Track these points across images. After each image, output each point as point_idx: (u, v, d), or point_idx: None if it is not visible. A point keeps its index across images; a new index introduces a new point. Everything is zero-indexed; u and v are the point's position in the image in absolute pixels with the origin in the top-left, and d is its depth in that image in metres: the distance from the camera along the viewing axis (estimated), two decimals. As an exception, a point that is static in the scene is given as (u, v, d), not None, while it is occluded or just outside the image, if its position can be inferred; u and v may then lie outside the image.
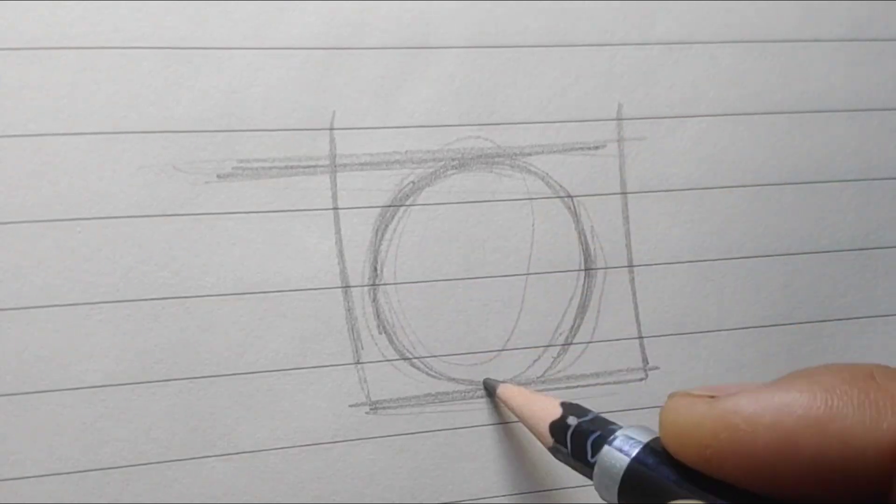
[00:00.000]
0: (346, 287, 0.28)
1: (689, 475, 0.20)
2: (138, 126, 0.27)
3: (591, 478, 0.23)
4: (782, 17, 0.31)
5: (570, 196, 0.29)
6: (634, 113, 0.30)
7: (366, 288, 0.28)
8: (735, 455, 0.18)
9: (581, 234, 0.30)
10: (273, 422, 0.27)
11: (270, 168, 0.27)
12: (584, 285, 0.30)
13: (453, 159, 0.29)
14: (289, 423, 0.28)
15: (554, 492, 0.29)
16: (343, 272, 0.28)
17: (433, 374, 0.29)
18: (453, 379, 0.29)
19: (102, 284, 0.26)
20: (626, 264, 0.30)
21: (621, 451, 0.22)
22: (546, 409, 0.26)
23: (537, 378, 0.29)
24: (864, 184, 0.31)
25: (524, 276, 0.29)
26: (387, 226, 0.28)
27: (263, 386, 0.27)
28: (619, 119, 0.30)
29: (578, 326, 0.30)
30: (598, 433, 0.23)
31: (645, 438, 0.22)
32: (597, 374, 0.30)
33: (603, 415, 0.24)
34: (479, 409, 0.29)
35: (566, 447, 0.25)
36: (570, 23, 0.29)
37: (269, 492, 0.27)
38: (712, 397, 0.19)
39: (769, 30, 0.31)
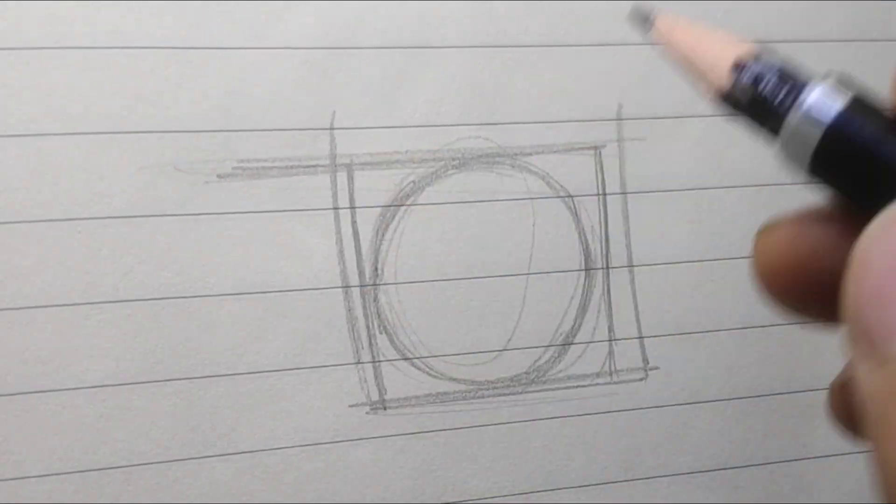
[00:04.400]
0: (347, 287, 0.28)
1: None
2: (138, 126, 0.26)
3: (775, 134, 0.19)
4: (782, 17, 0.31)
5: (570, 196, 0.29)
6: (634, 113, 0.30)
7: (366, 288, 0.28)
8: None
9: (581, 233, 0.30)
10: (273, 422, 0.27)
11: (270, 168, 0.27)
12: (584, 285, 0.30)
13: (454, 159, 0.29)
14: (289, 423, 0.28)
15: (554, 492, 0.29)
16: (343, 272, 0.28)
17: (434, 374, 0.29)
18: (454, 379, 0.28)
19: (102, 284, 0.26)
20: (626, 264, 0.30)
21: (826, 102, 0.18)
22: (729, 45, 0.20)
23: (538, 378, 0.29)
24: (863, 184, 0.31)
25: (525, 276, 0.29)
26: (387, 225, 0.28)
27: (263, 386, 0.27)
28: (619, 119, 0.30)
29: (579, 326, 0.30)
30: (792, 82, 0.19)
31: (851, 90, 0.18)
32: (597, 374, 0.30)
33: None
34: (480, 409, 0.29)
35: (751, 88, 0.19)
36: (570, 23, 0.29)
37: (269, 492, 0.27)
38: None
39: (769, 30, 0.31)
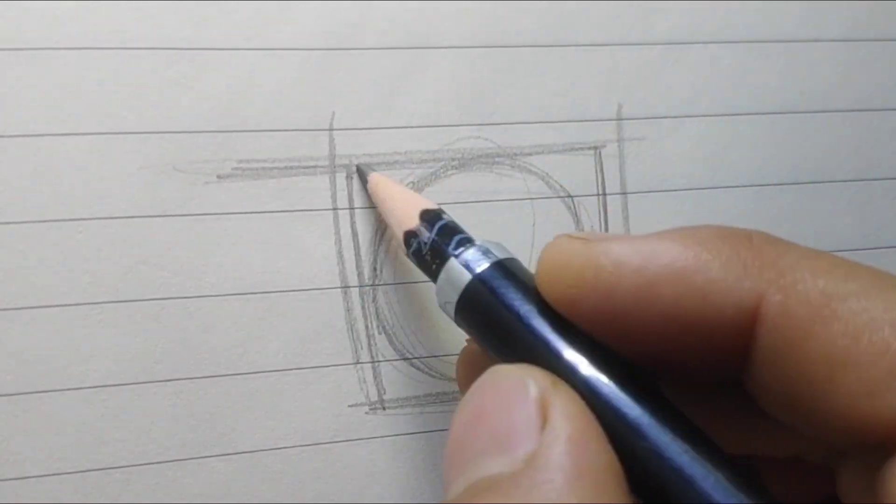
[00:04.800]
0: (346, 287, 0.28)
1: (530, 303, 0.19)
2: (138, 126, 0.27)
3: (434, 278, 0.22)
4: (782, 17, 0.31)
5: (570, 196, 0.29)
6: (634, 113, 0.30)
7: (365, 288, 0.28)
8: (596, 297, 0.18)
9: (581, 234, 0.30)
10: (273, 422, 0.27)
11: (270, 168, 0.27)
12: (583, 285, 0.30)
13: (453, 159, 0.29)
14: (288, 423, 0.28)
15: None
16: (343, 272, 0.28)
17: (433, 374, 0.29)
18: (453, 379, 0.28)
19: (102, 284, 0.26)
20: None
21: (467, 266, 0.21)
22: (418, 200, 0.25)
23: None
24: (863, 184, 0.31)
25: (524, 277, 0.29)
26: (387, 226, 0.28)
27: (263, 386, 0.27)
28: (619, 119, 0.30)
29: (578, 326, 0.30)
30: (453, 242, 0.22)
31: (497, 256, 0.21)
32: (597, 374, 0.30)
33: None
34: (479, 409, 0.29)
35: (427, 237, 0.23)
36: (570, 23, 0.29)
37: (269, 492, 0.27)
38: (587, 240, 0.19)
39: (769, 30, 0.31)
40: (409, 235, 0.24)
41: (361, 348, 0.28)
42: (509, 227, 0.29)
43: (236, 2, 0.27)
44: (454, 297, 0.21)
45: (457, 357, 0.25)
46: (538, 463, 0.15)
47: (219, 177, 0.27)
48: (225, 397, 0.27)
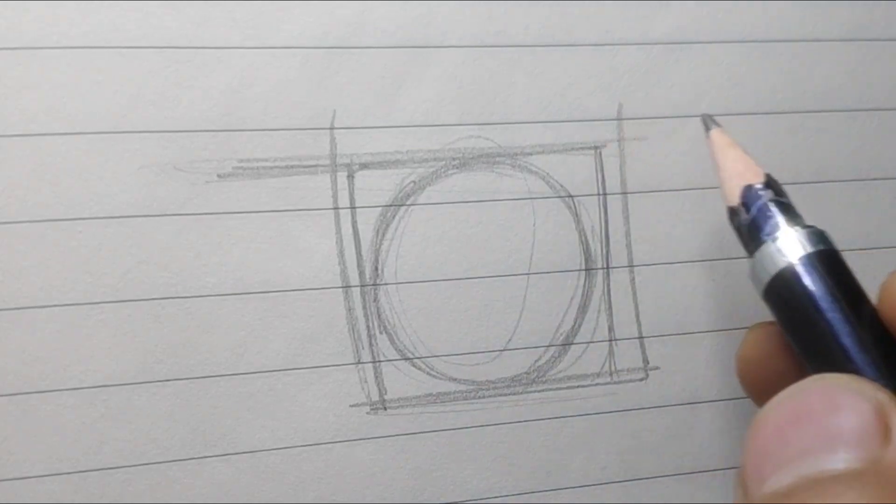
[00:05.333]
0: (347, 287, 0.28)
1: (844, 296, 0.20)
2: (138, 126, 0.26)
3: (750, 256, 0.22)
4: (782, 17, 0.31)
5: (570, 196, 0.29)
6: (634, 113, 0.30)
7: (367, 288, 0.28)
8: None
9: (581, 234, 0.30)
10: (273, 422, 0.27)
11: (271, 168, 0.27)
12: (584, 285, 0.30)
13: (454, 159, 0.29)
14: (289, 424, 0.28)
15: (554, 492, 0.29)
16: (343, 272, 0.28)
17: (434, 374, 0.29)
18: (454, 379, 0.29)
19: (102, 284, 0.26)
20: (626, 264, 0.30)
21: (781, 252, 0.21)
22: (748, 170, 0.24)
23: (538, 378, 0.29)
24: (863, 184, 0.31)
25: (525, 276, 0.29)
26: (388, 225, 0.28)
27: (263, 386, 0.27)
28: (619, 119, 0.30)
29: (579, 326, 0.30)
30: (768, 225, 0.22)
31: (813, 247, 0.21)
32: (597, 374, 0.30)
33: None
34: (480, 409, 0.29)
35: (746, 217, 0.23)
36: (570, 23, 0.29)
37: (270, 492, 0.27)
38: None
39: (769, 30, 0.31)
40: (731, 212, 0.24)
41: (363, 348, 0.28)
42: (509, 226, 0.29)
43: (236, 1, 0.27)
44: (763, 283, 0.21)
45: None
46: (887, 467, 0.16)
47: (219, 176, 0.27)
48: (225, 397, 0.27)
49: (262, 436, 0.27)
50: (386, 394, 0.28)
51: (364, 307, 0.28)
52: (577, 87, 0.29)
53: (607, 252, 0.30)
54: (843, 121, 0.31)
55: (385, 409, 0.28)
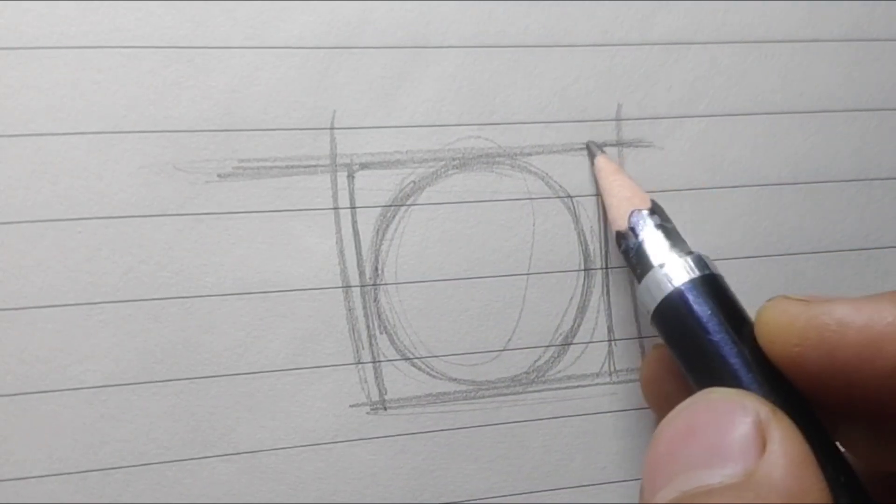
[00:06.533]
0: (347, 287, 0.28)
1: (724, 320, 0.20)
2: (138, 126, 0.26)
3: (638, 281, 0.23)
4: (782, 17, 0.31)
5: (570, 196, 0.29)
6: (634, 113, 0.30)
7: (367, 288, 0.28)
8: (821, 354, 0.19)
9: (581, 234, 0.30)
10: (273, 422, 0.27)
11: (271, 168, 0.27)
12: (584, 285, 0.30)
13: (454, 159, 0.29)
14: (289, 424, 0.28)
15: (554, 492, 0.29)
16: (343, 272, 0.28)
17: (434, 374, 0.29)
18: (454, 379, 0.29)
19: (102, 284, 0.26)
20: (625, 264, 0.30)
21: (666, 279, 0.22)
22: (635, 195, 0.25)
23: (537, 378, 0.29)
24: (864, 184, 0.31)
25: (525, 276, 0.29)
26: (388, 225, 0.28)
27: (263, 386, 0.27)
28: (618, 119, 0.30)
29: (578, 326, 0.30)
30: (656, 252, 0.23)
31: (698, 272, 0.22)
32: (596, 374, 0.30)
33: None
34: (480, 409, 0.29)
35: (634, 242, 0.24)
36: (570, 23, 0.29)
37: (270, 492, 0.27)
38: (808, 301, 0.20)
39: (769, 30, 0.31)
40: (619, 237, 0.25)
41: (363, 348, 0.28)
42: (509, 226, 0.29)
43: (236, 1, 0.27)
44: (651, 307, 0.22)
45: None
46: (759, 479, 0.17)
47: (219, 176, 0.27)
48: (225, 397, 0.27)
49: (262, 436, 0.27)
50: (386, 394, 0.28)
51: (364, 307, 0.28)
52: (576, 87, 0.29)
53: (606, 252, 0.30)
54: (843, 121, 0.31)
55: (385, 409, 0.28)
